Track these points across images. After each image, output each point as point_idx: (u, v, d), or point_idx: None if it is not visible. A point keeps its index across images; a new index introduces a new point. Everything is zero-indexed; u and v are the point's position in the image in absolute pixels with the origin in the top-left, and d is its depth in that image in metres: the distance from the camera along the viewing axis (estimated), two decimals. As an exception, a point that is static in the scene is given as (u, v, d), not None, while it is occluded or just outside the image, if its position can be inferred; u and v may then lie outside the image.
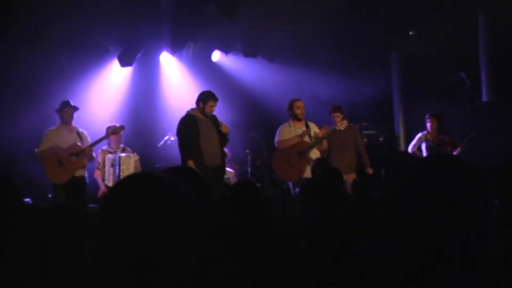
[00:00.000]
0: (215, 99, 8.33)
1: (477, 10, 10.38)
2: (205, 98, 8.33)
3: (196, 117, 8.31)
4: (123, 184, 1.67)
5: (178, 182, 1.67)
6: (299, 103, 9.01)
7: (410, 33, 11.46)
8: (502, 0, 9.74)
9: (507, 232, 2.02)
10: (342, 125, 9.04)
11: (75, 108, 8.90)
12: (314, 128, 9.08)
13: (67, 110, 8.78)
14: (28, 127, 9.47)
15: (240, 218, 3.42)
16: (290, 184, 8.87)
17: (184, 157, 8.18)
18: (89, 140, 8.90)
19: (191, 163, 7.99)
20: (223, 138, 8.43)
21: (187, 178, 2.65)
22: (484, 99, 10.59)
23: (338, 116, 9.38)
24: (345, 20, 10.41)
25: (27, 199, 8.23)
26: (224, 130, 8.40)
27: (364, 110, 9.89)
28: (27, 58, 10.13)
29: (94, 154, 8.87)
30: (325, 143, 8.95)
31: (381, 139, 9.67)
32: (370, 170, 9.38)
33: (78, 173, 8.58)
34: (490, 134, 9.84)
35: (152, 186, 1.63)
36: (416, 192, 1.79)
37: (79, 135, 8.81)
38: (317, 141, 8.85)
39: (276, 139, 9.07)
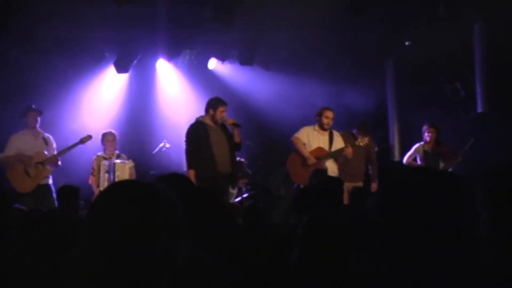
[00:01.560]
0: (224, 104, 8.28)
1: (473, 19, 10.42)
2: (214, 104, 8.26)
3: (206, 124, 8.24)
4: (110, 191, 1.70)
5: (164, 189, 1.70)
6: (329, 113, 9.03)
7: (406, 43, 11.50)
8: (498, 10, 9.77)
9: (496, 243, 2.03)
10: (363, 141, 9.07)
11: (39, 112, 8.82)
12: (338, 137, 9.12)
13: (31, 114, 8.71)
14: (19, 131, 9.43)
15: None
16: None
17: (189, 165, 8.10)
18: (55, 145, 8.87)
19: (192, 173, 7.92)
20: (235, 146, 8.40)
21: (179, 186, 2.67)
22: (479, 109, 10.62)
23: (361, 135, 9.42)
24: (340, 28, 10.45)
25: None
26: (236, 140, 8.36)
27: (359, 119, 9.92)
28: (22, 62, 10.12)
29: (59, 162, 8.77)
30: (350, 152, 8.91)
31: (376, 149, 9.69)
32: (374, 186, 9.39)
33: (43, 181, 8.53)
34: (487, 144, 9.87)
35: (138, 193, 1.66)
36: (398, 203, 1.80)
37: (45, 140, 8.75)
38: (334, 154, 8.91)
39: (295, 134, 9.11)
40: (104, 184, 8.88)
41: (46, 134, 8.85)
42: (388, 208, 1.83)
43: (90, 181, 9.08)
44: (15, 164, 8.45)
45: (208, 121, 8.28)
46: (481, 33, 10.54)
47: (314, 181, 7.47)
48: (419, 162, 9.69)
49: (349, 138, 9.28)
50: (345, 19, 9.98)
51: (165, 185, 1.75)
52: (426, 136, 9.60)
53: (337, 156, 8.95)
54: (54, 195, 8.34)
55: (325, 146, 9.00)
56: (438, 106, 11.55)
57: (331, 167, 8.73)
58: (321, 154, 8.88)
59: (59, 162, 8.76)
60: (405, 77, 12.11)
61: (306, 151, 8.89)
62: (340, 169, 8.96)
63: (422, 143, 9.71)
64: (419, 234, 1.75)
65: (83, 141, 8.82)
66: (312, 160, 8.76)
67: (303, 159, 8.88)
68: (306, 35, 10.54)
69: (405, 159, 9.93)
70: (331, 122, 9.03)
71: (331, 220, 2.98)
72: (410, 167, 9.27)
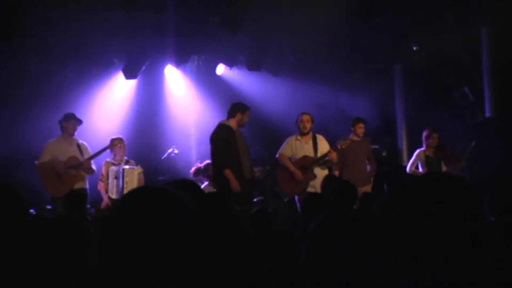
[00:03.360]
0: (249, 108, 8.36)
1: (480, 23, 10.41)
2: (243, 109, 8.27)
3: (232, 129, 8.19)
4: (129, 197, 1.72)
5: (181, 194, 1.72)
6: (304, 117, 8.92)
7: (414, 48, 11.49)
8: (504, 14, 9.75)
9: (503, 249, 2.04)
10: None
11: (80, 122, 8.85)
12: (322, 142, 8.99)
13: (73, 122, 8.71)
14: (31, 136, 9.50)
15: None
16: (296, 198, 8.83)
17: (223, 164, 7.92)
18: (90, 152, 8.85)
19: (230, 172, 7.83)
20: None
21: (188, 191, 2.68)
22: (487, 113, 10.60)
23: (361, 127, 9.38)
24: (348, 33, 10.45)
25: (31, 210, 8.26)
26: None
27: (367, 124, 9.88)
28: (32, 68, 10.20)
29: (93, 167, 8.79)
30: (334, 157, 8.79)
31: (384, 153, 9.64)
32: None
33: (77, 185, 8.49)
34: (493, 148, 9.83)
35: (156, 199, 1.68)
36: (412, 210, 1.82)
37: (79, 147, 8.74)
38: (319, 159, 8.82)
39: (279, 150, 9.02)
40: (113, 190, 8.91)
41: (81, 141, 8.86)
42: (399, 213, 1.85)
43: (99, 187, 9.10)
44: (48, 169, 8.51)
45: (233, 125, 8.24)
46: (488, 36, 10.52)
47: (329, 187, 7.45)
48: (421, 169, 9.56)
49: (361, 145, 9.26)
50: (353, 24, 9.99)
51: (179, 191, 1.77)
52: (430, 141, 9.46)
53: (322, 162, 8.88)
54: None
55: (310, 153, 8.84)
56: (447, 110, 11.54)
57: (320, 174, 8.64)
58: (307, 163, 8.80)
59: (93, 167, 8.78)
60: (413, 82, 12.10)
61: (292, 167, 8.75)
62: (346, 174, 8.93)
63: (422, 148, 9.57)
64: (430, 239, 1.76)
65: (114, 143, 8.88)
66: (299, 176, 8.66)
67: (291, 172, 8.76)
68: (314, 40, 10.55)
69: (408, 168, 9.71)
70: (308, 125, 8.87)
71: (343, 222, 2.98)
72: (417, 176, 9.19)
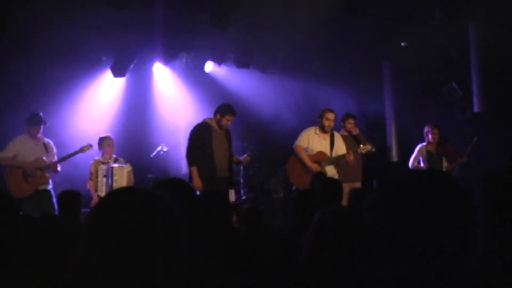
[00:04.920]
0: (233, 114, 8.43)
1: (468, 19, 10.45)
2: (223, 111, 8.40)
3: (211, 127, 8.41)
4: (108, 199, 1.73)
5: (161, 194, 1.74)
6: (330, 115, 8.92)
7: (402, 44, 11.53)
8: (493, 11, 9.80)
9: (491, 248, 2.04)
10: (364, 149, 9.02)
11: (44, 123, 8.78)
12: (339, 140, 9.08)
13: (35, 127, 8.65)
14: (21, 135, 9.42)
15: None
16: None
17: (191, 162, 8.31)
18: (55, 151, 8.83)
19: (195, 170, 8.16)
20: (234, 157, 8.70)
21: (177, 190, 2.68)
22: (475, 109, 10.64)
23: (351, 123, 9.39)
24: (337, 30, 10.46)
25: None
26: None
27: (356, 120, 9.91)
28: (19, 67, 10.11)
29: (58, 168, 8.77)
30: (351, 159, 8.83)
31: (373, 149, 9.66)
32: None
33: (41, 187, 8.49)
34: (485, 145, 9.87)
35: (135, 199, 1.69)
36: (399, 206, 1.82)
37: (45, 146, 8.71)
38: (335, 160, 8.86)
39: (296, 141, 9.03)
40: (102, 189, 8.87)
41: (47, 140, 8.83)
42: (387, 213, 1.84)
43: (88, 186, 9.06)
44: (14, 169, 8.44)
45: (214, 124, 8.45)
46: (476, 32, 10.56)
47: (316, 184, 7.46)
48: (422, 164, 9.59)
49: (349, 140, 9.25)
50: (342, 21, 10.00)
51: (163, 191, 1.79)
52: (430, 137, 9.48)
53: (338, 162, 8.91)
54: (54, 199, 8.35)
55: (326, 150, 8.91)
56: (435, 106, 11.58)
57: (331, 171, 8.69)
58: (322, 159, 8.83)
59: (59, 168, 8.77)
60: (402, 78, 12.13)
61: (308, 161, 8.79)
62: (339, 169, 8.95)
63: (424, 143, 9.61)
64: (418, 239, 1.76)
65: (83, 149, 8.81)
66: (316, 169, 8.64)
67: (304, 165, 8.84)
68: (302, 37, 10.55)
69: (410, 163, 9.75)
70: (332, 124, 8.94)
71: (349, 216, 2.98)
72: (410, 170, 9.20)
